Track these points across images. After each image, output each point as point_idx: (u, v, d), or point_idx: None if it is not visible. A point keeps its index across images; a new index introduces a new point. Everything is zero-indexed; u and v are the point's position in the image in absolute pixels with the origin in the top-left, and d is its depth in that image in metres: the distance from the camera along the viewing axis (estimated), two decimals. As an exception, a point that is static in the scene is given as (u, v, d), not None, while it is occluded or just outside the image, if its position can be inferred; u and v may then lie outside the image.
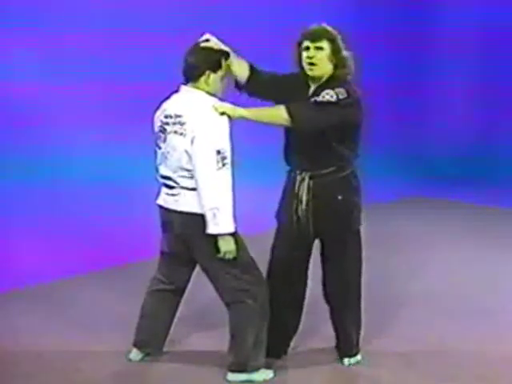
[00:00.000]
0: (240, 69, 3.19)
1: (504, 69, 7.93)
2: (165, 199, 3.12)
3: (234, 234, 2.98)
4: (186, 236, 3.07)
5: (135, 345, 3.40)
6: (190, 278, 3.35)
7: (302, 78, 3.14)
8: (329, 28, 3.09)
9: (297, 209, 3.14)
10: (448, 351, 3.56)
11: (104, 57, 5.35)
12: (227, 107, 2.96)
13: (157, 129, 3.13)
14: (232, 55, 3.15)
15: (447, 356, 3.50)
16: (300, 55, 3.09)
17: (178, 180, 3.02)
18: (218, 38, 3.12)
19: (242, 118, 2.98)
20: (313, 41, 3.04)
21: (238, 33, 5.46)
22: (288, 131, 3.18)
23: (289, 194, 3.19)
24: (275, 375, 3.25)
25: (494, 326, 3.87)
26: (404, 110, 8.07)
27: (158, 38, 5.50)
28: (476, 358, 3.48)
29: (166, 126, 3.04)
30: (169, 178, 3.07)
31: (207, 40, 3.09)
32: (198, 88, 3.04)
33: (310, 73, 3.07)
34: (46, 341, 3.63)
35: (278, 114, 2.98)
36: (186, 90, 3.06)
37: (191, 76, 3.04)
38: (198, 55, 3.03)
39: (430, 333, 3.78)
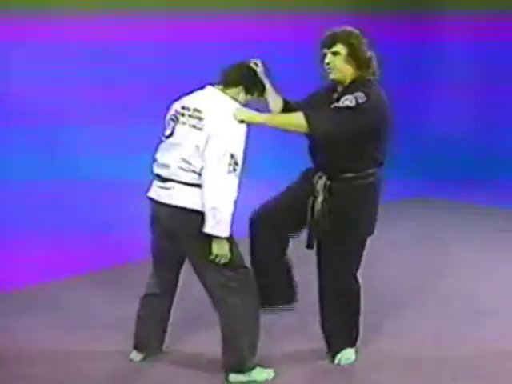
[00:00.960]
0: (275, 105, 3.28)
1: (504, 69, 7.94)
2: (157, 192, 3.08)
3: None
4: (176, 231, 3.03)
5: (135, 347, 3.40)
6: (178, 278, 3.34)
7: (329, 84, 3.18)
8: (345, 31, 3.12)
9: (313, 205, 3.16)
10: (448, 351, 3.55)
11: (105, 56, 5.35)
12: (245, 114, 3.00)
13: (168, 116, 3.11)
14: (269, 91, 3.24)
15: (447, 356, 3.50)
16: (322, 61, 3.14)
17: (176, 171, 2.98)
18: (265, 68, 3.20)
19: (260, 124, 3.02)
20: (328, 47, 3.09)
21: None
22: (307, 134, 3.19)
23: (306, 186, 3.20)
24: (276, 375, 3.25)
25: (494, 327, 3.87)
26: (404, 111, 8.05)
27: (160, 37, 5.50)
28: (476, 359, 3.48)
29: (180, 117, 3.02)
30: (167, 168, 3.02)
31: (256, 64, 3.16)
32: (225, 92, 3.06)
33: (330, 76, 3.11)
34: (47, 341, 3.63)
35: (296, 120, 3.02)
36: (212, 91, 3.07)
37: (227, 82, 3.07)
38: (242, 72, 3.09)
39: (429, 333, 3.78)
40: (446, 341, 3.68)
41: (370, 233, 3.30)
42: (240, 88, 3.07)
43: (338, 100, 3.05)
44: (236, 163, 2.89)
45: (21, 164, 4.94)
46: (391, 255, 5.21)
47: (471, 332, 3.79)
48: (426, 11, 8.11)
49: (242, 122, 2.97)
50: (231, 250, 3.01)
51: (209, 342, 3.56)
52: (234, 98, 3.06)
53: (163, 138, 3.10)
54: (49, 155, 5.12)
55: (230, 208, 2.90)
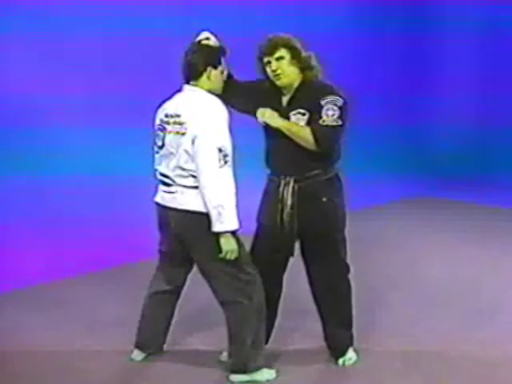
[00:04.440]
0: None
1: (504, 68, 7.94)
2: (162, 197, 3.11)
3: (233, 233, 2.97)
4: (183, 234, 3.06)
5: (137, 346, 3.40)
6: (186, 277, 3.35)
7: (272, 86, 3.17)
8: (282, 36, 3.11)
9: (282, 212, 3.15)
10: (448, 351, 3.54)
11: (101, 54, 5.36)
12: (268, 115, 3.06)
13: (156, 127, 3.12)
14: None
15: (447, 356, 3.49)
16: (264, 69, 3.13)
17: (175, 179, 3.02)
18: (215, 36, 3.15)
19: (276, 127, 3.06)
20: (271, 54, 3.07)
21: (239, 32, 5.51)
22: (269, 136, 3.20)
23: (272, 197, 3.20)
24: (277, 375, 3.24)
25: (494, 327, 3.86)
26: (404, 111, 8.07)
27: (156, 36, 5.51)
28: (476, 359, 3.47)
29: (166, 125, 3.04)
30: (166, 176, 3.07)
31: (207, 38, 3.11)
32: (199, 86, 3.04)
33: (278, 83, 3.11)
34: (48, 341, 3.63)
35: (306, 136, 3.04)
36: (188, 89, 3.07)
37: (193, 74, 3.04)
38: (199, 53, 3.04)
39: (429, 333, 3.77)
40: (447, 340, 3.68)
41: (344, 223, 3.29)
42: (209, 69, 3.03)
43: (289, 104, 3.10)
44: (226, 155, 2.89)
45: (20, 164, 4.94)
46: (391, 255, 5.21)
47: (472, 331, 3.78)
48: (427, 9, 8.13)
49: (264, 122, 3.07)
50: (241, 250, 3.03)
51: (209, 342, 3.57)
52: (210, 90, 3.03)
53: (156, 149, 3.12)
54: (49, 156, 5.13)
55: (233, 200, 2.91)
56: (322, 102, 3.02)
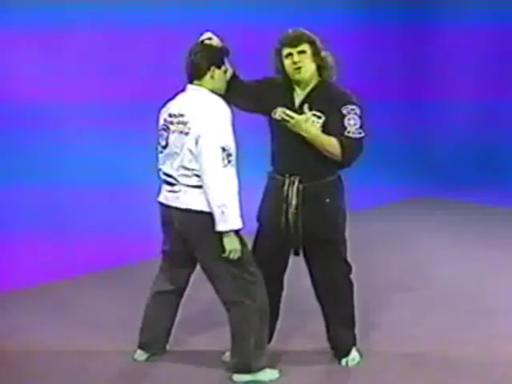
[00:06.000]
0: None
1: (505, 69, 7.95)
2: (166, 196, 3.11)
3: (236, 233, 2.97)
4: (187, 233, 3.06)
5: (140, 346, 3.39)
6: (190, 277, 3.35)
7: (283, 83, 3.15)
8: (304, 31, 3.11)
9: (286, 212, 3.13)
10: (450, 352, 3.53)
11: (102, 56, 5.35)
12: (301, 121, 3.00)
13: (160, 126, 3.12)
14: None
15: (449, 357, 3.48)
16: (281, 62, 3.11)
17: (179, 178, 3.02)
18: (218, 36, 3.14)
19: (305, 133, 3.01)
20: (294, 46, 3.05)
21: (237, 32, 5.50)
22: (276, 136, 3.19)
23: (275, 196, 3.18)
24: (280, 375, 3.23)
25: (496, 327, 3.85)
26: (404, 112, 8.07)
27: (158, 38, 5.50)
28: (477, 360, 3.46)
29: (170, 125, 3.04)
30: (170, 176, 3.07)
31: (209, 38, 3.11)
32: (202, 86, 3.04)
33: (297, 76, 3.08)
34: (49, 341, 3.61)
35: (333, 148, 3.03)
36: (192, 89, 3.06)
37: (196, 74, 3.04)
38: (203, 53, 3.04)
39: (431, 334, 3.77)
40: (448, 341, 3.67)
41: (344, 226, 3.28)
42: (213, 68, 3.03)
43: (302, 105, 3.07)
44: (229, 155, 2.89)
45: (20, 165, 4.93)
46: (391, 255, 5.21)
47: (475, 332, 3.78)
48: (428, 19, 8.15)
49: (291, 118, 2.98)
50: (241, 249, 3.01)
51: (212, 342, 3.57)
52: (213, 90, 3.03)
53: (160, 149, 3.12)
54: (49, 156, 5.12)
55: (236, 200, 2.91)
56: (344, 111, 3.02)
